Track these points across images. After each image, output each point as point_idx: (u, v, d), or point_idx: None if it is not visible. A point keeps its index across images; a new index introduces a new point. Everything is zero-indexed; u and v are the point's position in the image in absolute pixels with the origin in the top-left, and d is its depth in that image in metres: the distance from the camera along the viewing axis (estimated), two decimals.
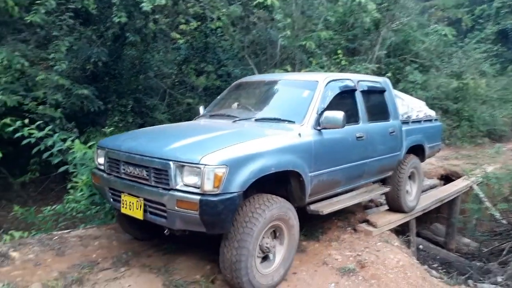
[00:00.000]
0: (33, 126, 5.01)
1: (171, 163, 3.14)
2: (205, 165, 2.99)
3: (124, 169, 3.55)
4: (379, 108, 5.19)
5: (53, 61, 6.11)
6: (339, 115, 3.86)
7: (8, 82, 5.68)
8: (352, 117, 4.61)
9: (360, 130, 4.57)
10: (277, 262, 3.59)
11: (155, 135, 4.03)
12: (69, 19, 6.78)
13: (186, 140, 3.46)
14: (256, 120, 4.13)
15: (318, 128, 3.95)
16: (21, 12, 5.74)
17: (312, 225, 4.96)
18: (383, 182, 5.51)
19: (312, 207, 4.17)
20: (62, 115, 6.35)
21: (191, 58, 10.55)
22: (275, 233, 3.63)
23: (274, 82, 4.71)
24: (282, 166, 3.47)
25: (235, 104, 4.67)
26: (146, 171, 3.33)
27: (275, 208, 3.43)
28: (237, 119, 4.22)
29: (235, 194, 3.08)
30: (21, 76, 5.95)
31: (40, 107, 5.94)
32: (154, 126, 5.18)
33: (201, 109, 5.08)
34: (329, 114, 3.91)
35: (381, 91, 5.25)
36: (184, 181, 3.10)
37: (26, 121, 5.03)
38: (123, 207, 3.55)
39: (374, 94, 5.13)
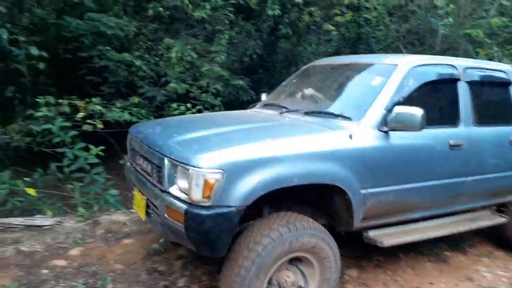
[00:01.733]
0: (194, 110, 5.80)
1: (166, 159, 2.54)
2: (194, 167, 2.31)
3: (137, 161, 3.11)
4: (498, 107, 3.77)
5: (215, 54, 6.76)
6: (416, 112, 2.76)
7: (180, 72, 6.44)
8: (447, 117, 3.38)
9: (459, 136, 3.30)
10: None
11: (177, 125, 3.46)
12: (232, 14, 7.37)
13: (199, 132, 2.80)
14: (306, 113, 3.25)
15: (384, 129, 2.90)
16: (194, 10, 6.47)
17: (459, 236, 4.16)
18: (501, 208, 4.03)
19: (371, 233, 3.12)
20: (221, 103, 6.83)
21: (342, 49, 10.08)
22: (301, 266, 2.77)
23: (344, 66, 3.69)
24: (312, 178, 2.56)
25: (294, 93, 3.85)
26: (151, 165, 2.81)
27: (301, 235, 2.56)
28: (285, 110, 3.42)
29: (233, 209, 2.32)
30: (190, 67, 6.65)
31: (203, 95, 6.51)
32: (193, 115, 4.71)
33: (263, 96, 4.37)
34: (401, 110, 2.82)
35: (505, 84, 3.78)
36: (179, 184, 2.47)
37: (189, 105, 5.88)
38: (134, 202, 3.12)
39: (491, 88, 3.72)
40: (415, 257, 3.96)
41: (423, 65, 3.26)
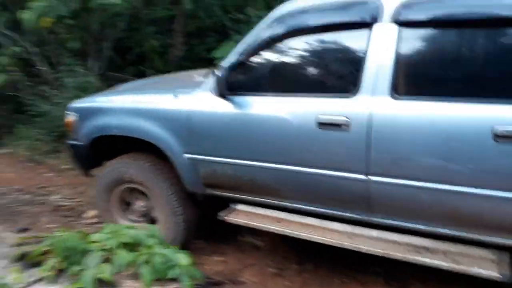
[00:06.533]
0: None
1: None
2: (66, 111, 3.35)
3: None
4: (472, 67, 2.03)
5: None
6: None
7: None
8: (334, 82, 2.40)
9: (342, 112, 2.25)
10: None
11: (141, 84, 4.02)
12: None
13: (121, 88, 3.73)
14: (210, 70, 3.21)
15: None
16: None
17: None
18: None
19: (239, 207, 2.83)
20: None
21: None
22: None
23: None
24: (127, 131, 2.94)
25: None
26: None
27: (129, 169, 3.01)
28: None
29: (81, 143, 3.16)
30: None
31: None
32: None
33: None
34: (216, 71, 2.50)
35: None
36: None
37: None
38: None
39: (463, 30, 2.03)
40: None
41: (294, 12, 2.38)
